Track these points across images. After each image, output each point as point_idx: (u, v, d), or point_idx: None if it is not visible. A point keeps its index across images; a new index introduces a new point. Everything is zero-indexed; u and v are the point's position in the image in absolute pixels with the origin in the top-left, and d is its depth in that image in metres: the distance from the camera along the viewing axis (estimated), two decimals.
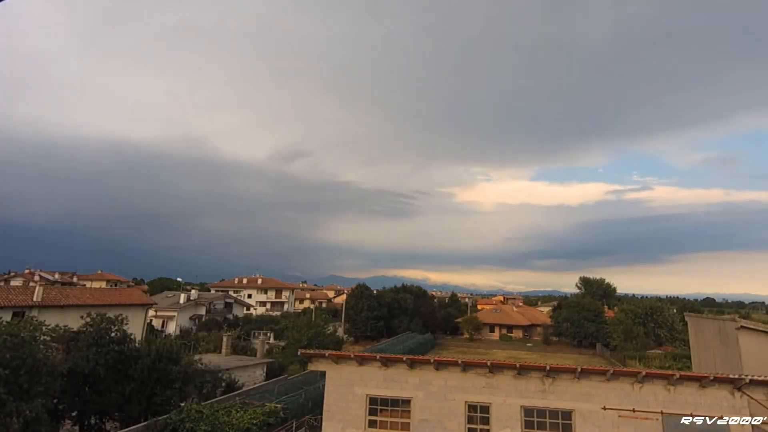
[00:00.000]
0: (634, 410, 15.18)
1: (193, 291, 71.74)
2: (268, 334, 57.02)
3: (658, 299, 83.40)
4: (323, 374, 18.40)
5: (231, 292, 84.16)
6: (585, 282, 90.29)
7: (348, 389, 16.95)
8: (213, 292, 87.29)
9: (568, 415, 15.58)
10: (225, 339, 37.78)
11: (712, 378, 15.02)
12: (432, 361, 16.62)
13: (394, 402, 16.69)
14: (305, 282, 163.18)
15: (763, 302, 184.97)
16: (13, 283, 51.93)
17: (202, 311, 65.45)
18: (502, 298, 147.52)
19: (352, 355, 17.40)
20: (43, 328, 17.09)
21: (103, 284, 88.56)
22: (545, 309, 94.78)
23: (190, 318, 62.83)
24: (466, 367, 16.43)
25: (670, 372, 16.17)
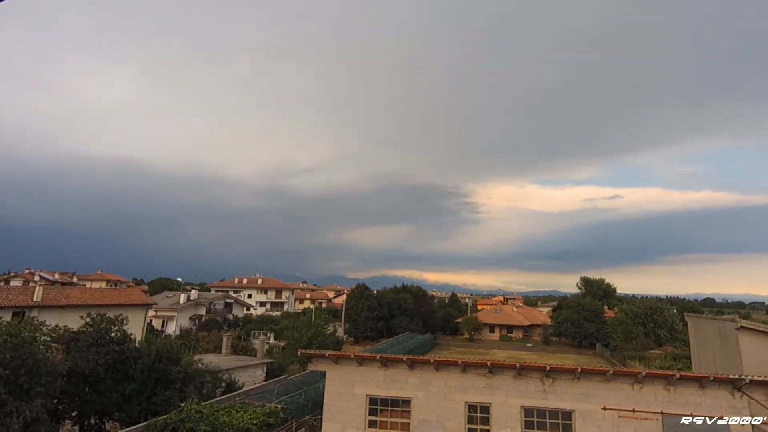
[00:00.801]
0: (634, 410, 15.18)
1: (193, 291, 71.73)
2: (268, 335, 56.97)
3: (658, 299, 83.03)
4: (323, 374, 18.40)
5: (231, 293, 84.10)
6: (585, 282, 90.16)
7: (348, 389, 16.95)
8: (213, 292, 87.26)
9: (568, 415, 15.58)
10: (225, 339, 37.79)
11: (712, 378, 15.02)
12: (432, 361, 16.63)
13: (394, 402, 16.69)
14: (305, 282, 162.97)
15: (763, 302, 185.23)
16: (13, 283, 51.74)
17: (202, 311, 65.43)
18: (502, 299, 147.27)
19: (352, 356, 17.40)
20: (43, 328, 17.10)
21: (103, 284, 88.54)
22: (545, 309, 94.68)
23: (190, 318, 62.84)
24: (466, 367, 16.43)
25: (670, 372, 16.19)
